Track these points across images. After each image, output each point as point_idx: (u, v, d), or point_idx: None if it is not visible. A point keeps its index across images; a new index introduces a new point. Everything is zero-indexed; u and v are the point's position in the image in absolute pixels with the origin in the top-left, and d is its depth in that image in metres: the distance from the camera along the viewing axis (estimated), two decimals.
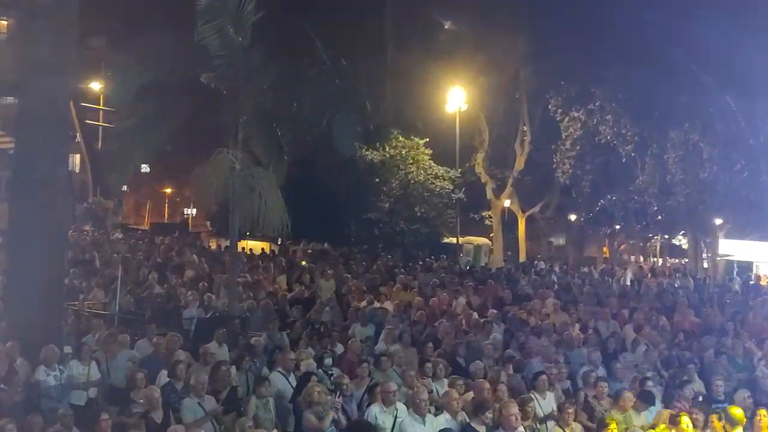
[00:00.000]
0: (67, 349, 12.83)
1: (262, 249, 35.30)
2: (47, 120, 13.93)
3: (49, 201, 13.89)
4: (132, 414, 10.88)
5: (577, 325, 17.58)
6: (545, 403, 11.81)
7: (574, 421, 11.16)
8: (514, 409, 10.26)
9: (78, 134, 51.03)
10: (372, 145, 36.66)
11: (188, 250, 29.89)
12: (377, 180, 37.13)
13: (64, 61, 14.18)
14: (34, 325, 13.23)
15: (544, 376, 12.30)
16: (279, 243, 36.33)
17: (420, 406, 10.64)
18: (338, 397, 11.28)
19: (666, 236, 52.72)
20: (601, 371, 13.66)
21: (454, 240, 37.95)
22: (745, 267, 39.52)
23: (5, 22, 79.06)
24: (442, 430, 10.05)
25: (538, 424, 11.18)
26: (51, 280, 13.93)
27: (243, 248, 30.08)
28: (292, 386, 12.17)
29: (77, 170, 61.97)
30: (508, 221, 42.64)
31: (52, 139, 14.04)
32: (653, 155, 36.73)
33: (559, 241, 55.15)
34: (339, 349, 14.61)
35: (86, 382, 12.32)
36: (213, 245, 37.76)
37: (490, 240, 43.69)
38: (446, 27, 38.83)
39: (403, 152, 37.27)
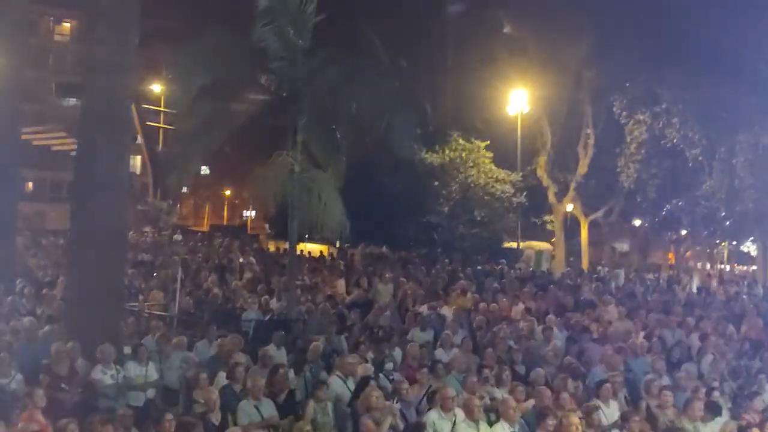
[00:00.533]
0: (127, 350, 12.82)
1: (321, 252, 35.28)
2: (109, 121, 13.97)
3: (109, 202, 13.94)
4: (190, 415, 10.82)
5: (642, 333, 17.16)
6: (609, 411, 11.50)
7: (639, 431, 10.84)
8: (575, 419, 9.98)
9: (139, 136, 51.62)
10: (432, 147, 36.46)
11: (247, 252, 29.98)
12: (437, 183, 36.92)
13: (126, 63, 14.22)
14: (95, 325, 13.27)
15: (608, 385, 12.01)
16: (337, 246, 36.29)
17: (473, 412, 10.44)
18: (396, 402, 11.11)
19: (734, 243, 51.45)
20: (666, 380, 13.27)
21: (514, 245, 37.53)
22: None
23: (68, 25, 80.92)
24: None
25: None
26: (111, 281, 13.97)
27: (301, 251, 30.06)
28: (350, 390, 12.02)
29: (138, 172, 62.92)
30: (571, 226, 42.01)
31: (114, 140, 14.07)
32: (721, 159, 35.87)
33: (623, 247, 54.21)
34: (397, 353, 14.42)
35: (144, 383, 12.30)
36: (271, 248, 37.88)
37: (551, 245, 43.16)
38: (507, 27, 38.38)
39: (463, 155, 37.00)
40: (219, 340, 14.12)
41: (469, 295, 20.80)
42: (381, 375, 12.53)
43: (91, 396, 11.62)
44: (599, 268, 35.45)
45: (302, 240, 28.60)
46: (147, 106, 54.72)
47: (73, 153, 19.80)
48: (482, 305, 19.29)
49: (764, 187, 34.59)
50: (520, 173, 37.60)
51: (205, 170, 64.91)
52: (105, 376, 12.00)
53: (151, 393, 12.18)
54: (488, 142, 37.35)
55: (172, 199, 52.62)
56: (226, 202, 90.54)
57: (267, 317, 17.59)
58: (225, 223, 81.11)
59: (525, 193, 37.72)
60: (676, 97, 35.51)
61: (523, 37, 37.23)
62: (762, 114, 33.42)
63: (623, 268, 34.19)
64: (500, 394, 11.97)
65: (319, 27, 17.97)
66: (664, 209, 42.23)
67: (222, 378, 12.19)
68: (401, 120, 18.27)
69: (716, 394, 12.44)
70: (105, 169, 13.83)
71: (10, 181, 21.24)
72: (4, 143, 20.55)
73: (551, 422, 10.11)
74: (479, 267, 29.55)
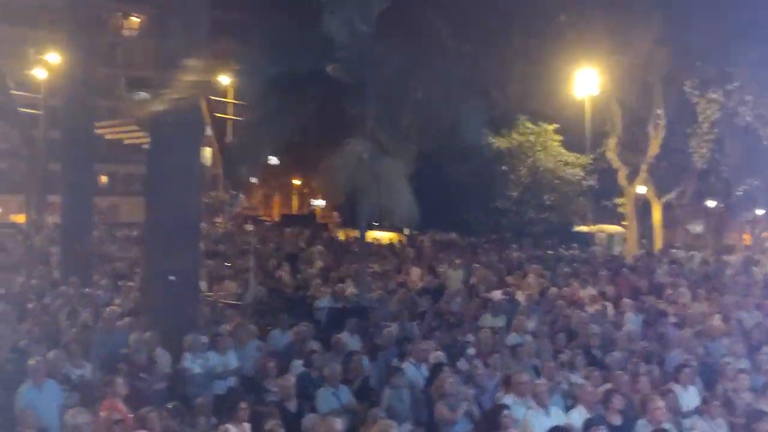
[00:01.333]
0: (203, 339, 13.03)
1: (390, 239, 35.36)
2: (180, 114, 14.15)
3: (183, 194, 14.16)
4: (266, 403, 10.96)
5: (718, 316, 16.80)
6: (688, 396, 11.31)
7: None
8: (660, 402, 9.85)
9: (208, 128, 52.31)
10: (499, 132, 36.17)
11: (317, 241, 30.20)
12: (505, 168, 36.65)
13: (196, 56, 14.38)
14: (171, 315, 13.52)
15: (687, 369, 11.80)
16: (406, 233, 36.31)
17: (543, 398, 10.37)
18: (470, 388, 11.10)
19: None
20: (744, 363, 12.98)
21: (585, 229, 37.09)
22: None
23: (137, 20, 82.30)
24: (588, 419, 9.70)
25: (681, 418, 10.72)
26: (186, 271, 14.19)
27: (371, 239, 30.16)
28: (423, 377, 12.03)
29: (208, 163, 63.72)
30: (643, 208, 41.31)
31: (185, 133, 14.27)
32: None
33: (697, 228, 53.05)
34: (469, 339, 14.38)
35: (224, 372, 12.48)
36: (341, 236, 38.10)
37: (623, 228, 42.53)
38: (576, 8, 37.80)
39: (532, 139, 36.66)
40: (293, 328, 14.28)
41: (541, 279, 20.65)
42: (463, 360, 12.51)
43: (179, 384, 11.86)
44: (673, 250, 34.78)
45: (371, 228, 28.68)
46: (215, 98, 55.37)
47: (145, 146, 20.13)
48: (553, 290, 19.13)
49: None
50: (590, 156, 37.09)
51: (274, 160, 65.33)
52: (194, 365, 12.23)
53: (232, 381, 12.35)
54: (557, 125, 36.94)
55: (242, 190, 53.37)
56: (295, 192, 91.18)
57: (339, 305, 17.69)
58: (294, 212, 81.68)
59: (595, 176, 37.21)
60: (750, 75, 34.61)
61: (592, 18, 36.61)
62: None
63: (698, 250, 33.57)
64: (576, 379, 11.87)
65: (384, 15, 17.96)
66: (739, 189, 41.25)
67: (297, 366, 12.33)
68: (468, 105, 18.18)
69: None
70: (177, 162, 14.05)
71: (85, 176, 21.73)
72: (78, 139, 21.02)
73: (617, 401, 10.03)
74: (550, 251, 29.29)
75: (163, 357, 12.45)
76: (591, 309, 17.08)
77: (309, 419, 9.79)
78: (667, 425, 9.81)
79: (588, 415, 10.15)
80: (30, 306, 15.11)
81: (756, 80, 34.28)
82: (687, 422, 10.62)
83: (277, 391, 11.12)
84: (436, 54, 21.61)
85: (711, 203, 48.12)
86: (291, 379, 11.25)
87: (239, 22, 54.47)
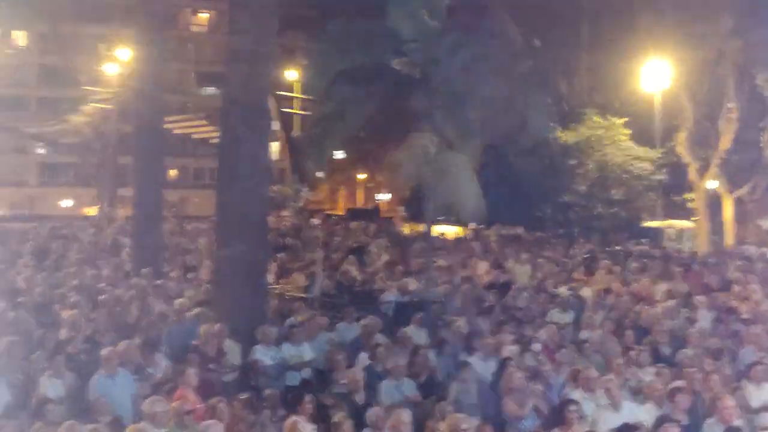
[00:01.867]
0: (274, 331, 13.15)
1: (456, 233, 35.28)
2: (250, 109, 14.33)
3: (252, 188, 14.32)
4: (334, 395, 11.05)
5: None
6: (760, 393, 11.09)
7: None
8: (732, 401, 9.69)
9: (276, 122, 52.86)
10: (567, 126, 35.81)
11: (382, 234, 30.26)
12: (572, 162, 36.28)
13: (266, 51, 14.55)
14: (240, 307, 13.70)
15: (760, 366, 11.56)
16: (472, 228, 36.20)
17: (614, 394, 10.26)
18: (538, 384, 11.04)
19: None
20: None
21: (654, 224, 36.54)
22: None
23: (206, 16, 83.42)
24: (660, 416, 9.59)
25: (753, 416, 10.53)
26: (255, 264, 14.36)
27: (437, 233, 30.13)
28: (491, 371, 12.00)
29: (275, 158, 64.35)
30: (714, 204, 40.54)
31: (254, 127, 14.44)
32: None
33: None
34: (537, 335, 14.28)
35: (299, 364, 12.60)
36: (406, 230, 38.12)
37: (693, 224, 41.79)
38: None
39: (600, 133, 36.22)
40: (359, 321, 14.37)
41: (610, 275, 20.42)
42: (528, 355, 12.46)
43: (250, 376, 12.03)
44: (744, 246, 34.06)
45: (437, 222, 28.65)
46: (282, 93, 55.88)
47: (214, 141, 20.40)
48: (616, 285, 18.91)
49: None
50: (660, 150, 36.51)
51: (339, 155, 65.72)
52: (266, 357, 12.38)
53: (306, 373, 12.47)
54: (626, 119, 36.44)
55: (308, 184, 53.79)
56: (360, 186, 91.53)
57: (405, 299, 17.72)
58: (359, 206, 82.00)
59: (665, 171, 36.62)
60: None
61: (663, 10, 36.01)
62: None
63: None
64: (645, 375, 11.73)
65: (451, 8, 17.90)
66: None
67: (363, 359, 12.40)
68: (535, 99, 18.02)
69: None
70: (247, 156, 14.22)
71: (155, 170, 22.06)
72: (149, 133, 21.35)
73: (683, 400, 9.86)
74: (618, 247, 28.91)
75: (232, 349, 12.62)
76: (662, 305, 16.82)
77: (373, 412, 9.84)
78: (738, 423, 9.65)
79: (657, 412, 10.04)
80: (102, 297, 15.41)
81: None
82: (760, 420, 10.43)
83: (344, 383, 11.21)
84: (503, 47, 21.42)
85: None
86: (360, 372, 11.33)
87: (306, 17, 55.03)
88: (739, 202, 40.83)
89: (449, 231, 35.86)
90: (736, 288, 18.55)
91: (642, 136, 36.56)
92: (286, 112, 57.41)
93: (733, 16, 34.01)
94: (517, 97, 17.79)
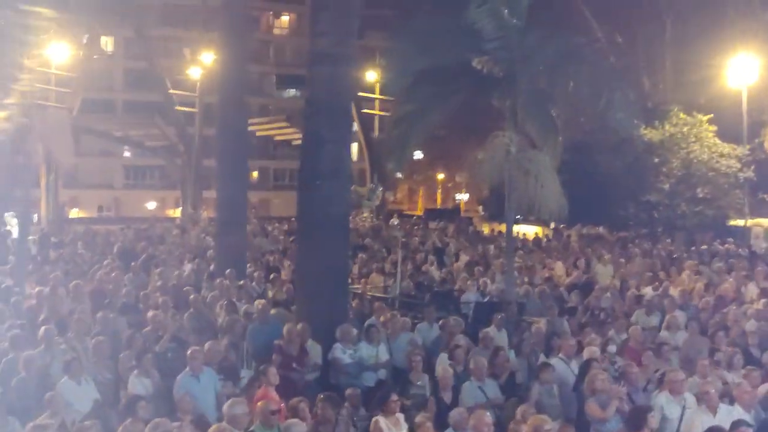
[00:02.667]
0: (354, 331, 13.23)
1: (536, 233, 34.99)
2: (332, 111, 14.42)
3: (334, 189, 14.38)
4: (412, 396, 11.09)
5: None
6: None
7: None
8: None
9: (356, 123, 53.11)
10: (651, 123, 35.14)
11: (462, 235, 30.17)
12: (656, 160, 35.60)
13: (347, 53, 14.60)
14: (322, 307, 13.79)
15: None
16: (552, 227, 35.85)
17: (711, 398, 10.04)
18: (622, 386, 10.87)
19: None
20: None
21: (742, 222, 35.63)
22: None
23: (287, 19, 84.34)
24: (735, 421, 9.35)
25: None
26: (336, 264, 14.43)
27: (516, 233, 29.89)
28: (573, 373, 11.87)
29: (355, 158, 64.63)
30: None
31: (336, 129, 14.50)
32: None
33: None
34: (621, 336, 14.07)
35: (376, 364, 12.66)
36: (486, 230, 37.94)
37: None
38: None
39: (685, 130, 35.45)
40: (440, 321, 14.35)
41: (697, 275, 20.00)
42: (611, 357, 12.30)
43: (331, 374, 12.11)
44: None
45: (516, 222, 28.44)
46: (361, 94, 56.12)
47: (296, 142, 20.60)
48: (699, 285, 18.57)
49: None
50: (747, 147, 35.59)
51: (418, 155, 65.76)
52: (344, 355, 12.48)
53: (382, 373, 12.52)
54: (711, 115, 35.62)
55: (388, 185, 53.82)
56: (439, 186, 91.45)
57: (486, 299, 17.64)
58: (438, 206, 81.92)
59: (753, 168, 35.70)
60: None
61: (749, 4, 35.11)
62: None
63: None
64: (733, 378, 11.45)
65: (533, 5, 17.72)
66: None
67: (444, 359, 12.38)
68: (619, 97, 17.71)
69: None
70: (329, 157, 14.29)
71: (239, 172, 22.34)
72: (233, 136, 21.63)
73: None
74: (704, 246, 28.26)
75: (314, 348, 12.73)
76: (751, 306, 16.41)
77: (456, 412, 9.81)
78: None
79: (746, 415, 9.80)
80: (188, 297, 15.70)
81: None
82: None
83: (420, 385, 11.25)
84: (586, 45, 21.16)
85: None
86: (449, 371, 11.34)
87: (387, 18, 55.12)
88: None
89: (530, 231, 35.57)
90: None
91: (728, 132, 35.66)
92: (366, 113, 57.56)
93: None
94: (601, 95, 17.51)
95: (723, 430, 9.04)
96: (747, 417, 9.80)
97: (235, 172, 21.87)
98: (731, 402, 10.50)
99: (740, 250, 27.55)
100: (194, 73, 52.09)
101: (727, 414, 9.98)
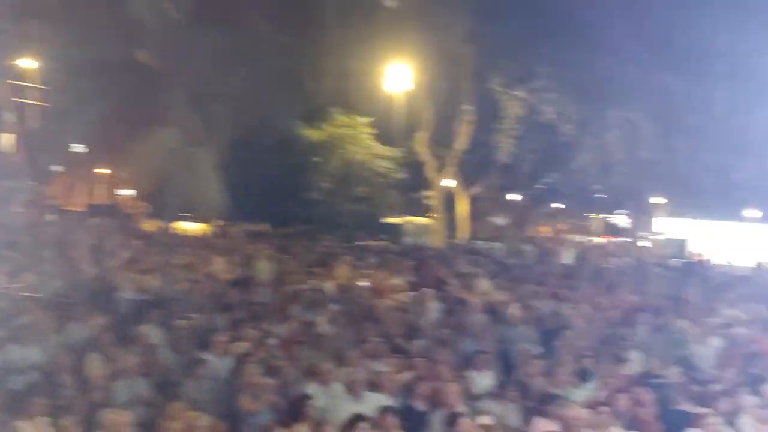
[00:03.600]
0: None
1: (200, 231, 34.75)
2: None
3: None
4: (62, 397, 10.63)
5: (516, 304, 17.50)
6: (480, 380, 11.81)
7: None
8: (456, 388, 10.20)
9: (9, 113, 49.58)
10: (313, 124, 36.25)
11: (122, 231, 29.27)
12: (318, 160, 36.78)
13: None
14: None
15: (482, 355, 12.36)
16: (216, 224, 35.80)
17: (357, 387, 10.66)
18: (275, 379, 11.10)
19: (608, 215, 53.33)
20: (537, 349, 13.66)
21: (394, 220, 37.80)
22: (680, 245, 40.42)
23: None
24: (381, 407, 9.91)
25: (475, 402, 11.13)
26: None
27: (180, 230, 29.57)
28: (227, 368, 11.93)
29: (8, 150, 60.50)
30: (450, 201, 42.55)
31: None
32: (593, 134, 36.98)
33: (501, 220, 55.31)
34: (278, 330, 14.36)
35: (25, 366, 11.92)
36: (149, 227, 37.09)
37: (431, 220, 43.57)
38: (387, 2, 38.31)
39: (344, 131, 36.95)
40: (94, 320, 13.85)
41: (350, 270, 20.92)
42: (265, 351, 12.51)
43: None
44: (475, 241, 36.05)
45: (182, 219, 28.14)
46: (16, 82, 52.57)
47: None
48: (353, 280, 19.53)
49: (634, 162, 35.89)
50: (400, 149, 37.79)
51: (79, 148, 62.81)
52: None
53: (33, 376, 11.84)
54: (372, 118, 37.38)
55: (42, 179, 50.85)
56: (101, 181, 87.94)
57: (143, 297, 17.24)
58: (101, 202, 78.75)
59: (405, 169, 37.97)
60: (552, 73, 36.32)
61: (405, 13, 37.16)
62: (631, 91, 34.63)
63: (500, 241, 34.89)
64: (379, 367, 12.11)
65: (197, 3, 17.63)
66: (539, 184, 43.29)
67: (95, 358, 11.94)
68: (281, 96, 18.16)
69: (586, 360, 12.84)
70: None
71: None
72: None
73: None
74: (359, 243, 29.67)
75: None
76: (396, 298, 17.45)
77: (106, 412, 9.51)
78: (460, 409, 10.23)
79: (390, 402, 10.41)
80: None
81: (558, 79, 36.09)
82: (480, 405, 11.06)
83: (70, 387, 10.84)
84: (251, 43, 21.41)
85: (514, 197, 50.34)
86: (101, 370, 10.98)
87: (47, 5, 51.86)
88: (474, 200, 43.18)
89: (193, 228, 35.28)
90: (465, 280, 19.63)
91: (385, 135, 37.68)
92: (22, 102, 53.94)
93: (468, 23, 35.79)
94: (264, 94, 17.85)
95: (366, 416, 9.54)
96: (392, 403, 10.41)
97: None
98: (377, 389, 11.10)
99: (392, 245, 29.23)
100: None
101: (373, 401, 10.55)
